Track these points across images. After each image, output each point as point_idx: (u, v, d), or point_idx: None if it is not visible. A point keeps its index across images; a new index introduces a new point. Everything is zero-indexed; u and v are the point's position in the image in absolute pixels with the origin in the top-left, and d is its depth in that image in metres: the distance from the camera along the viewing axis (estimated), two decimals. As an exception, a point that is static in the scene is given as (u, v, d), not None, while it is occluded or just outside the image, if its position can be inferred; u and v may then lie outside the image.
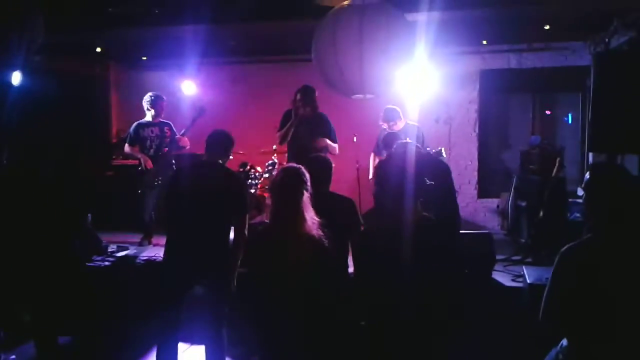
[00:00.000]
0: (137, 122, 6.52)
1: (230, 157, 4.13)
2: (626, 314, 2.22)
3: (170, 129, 6.57)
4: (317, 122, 5.79)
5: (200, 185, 3.83)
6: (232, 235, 3.82)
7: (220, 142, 4.06)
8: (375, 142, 6.61)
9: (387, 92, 5.35)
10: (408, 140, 6.08)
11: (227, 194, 3.77)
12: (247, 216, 3.80)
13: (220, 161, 4.00)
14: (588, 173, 2.54)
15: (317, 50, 4.68)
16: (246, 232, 3.71)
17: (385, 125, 6.34)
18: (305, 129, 5.79)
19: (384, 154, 6.19)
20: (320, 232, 2.71)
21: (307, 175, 2.81)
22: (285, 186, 2.75)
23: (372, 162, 6.63)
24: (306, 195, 2.74)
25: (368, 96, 5.10)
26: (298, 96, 5.77)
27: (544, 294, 2.39)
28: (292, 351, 2.67)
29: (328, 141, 5.76)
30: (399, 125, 6.31)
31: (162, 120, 6.56)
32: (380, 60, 4.41)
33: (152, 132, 6.47)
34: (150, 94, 6.52)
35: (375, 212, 3.10)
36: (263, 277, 2.69)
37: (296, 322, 2.66)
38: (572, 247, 2.37)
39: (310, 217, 2.71)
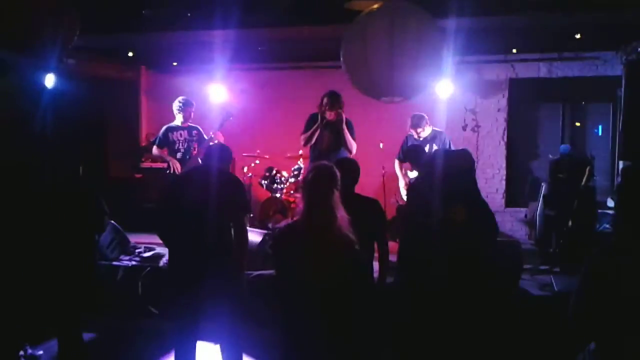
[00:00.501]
0: (167, 125, 6.64)
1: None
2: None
3: (199, 132, 6.67)
4: (340, 125, 5.83)
5: (196, 191, 3.83)
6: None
7: (214, 152, 4.09)
8: (400, 148, 6.59)
9: (417, 95, 5.34)
10: (434, 148, 6.12)
11: (223, 196, 3.77)
12: (245, 216, 3.91)
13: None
14: (620, 176, 2.50)
15: (347, 52, 4.69)
16: (245, 232, 3.79)
17: (412, 132, 6.35)
18: (330, 132, 5.85)
19: (408, 165, 6.24)
20: (351, 230, 2.71)
21: (339, 174, 2.81)
22: (318, 183, 2.74)
23: (398, 169, 6.61)
24: (337, 194, 2.74)
25: (397, 99, 5.09)
26: (325, 100, 5.84)
27: (573, 296, 2.35)
28: (322, 351, 2.66)
29: (347, 131, 5.80)
30: (426, 132, 6.31)
31: (190, 124, 6.65)
32: (411, 63, 4.40)
33: (180, 135, 6.58)
34: (180, 98, 6.64)
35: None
36: (293, 276, 2.68)
37: (325, 321, 2.64)
38: (601, 250, 2.33)
39: (341, 215, 2.70)
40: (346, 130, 5.81)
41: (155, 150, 6.67)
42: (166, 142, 6.57)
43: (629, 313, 2.20)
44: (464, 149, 3.88)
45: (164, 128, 6.65)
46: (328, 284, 2.62)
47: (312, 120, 6.03)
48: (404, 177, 6.40)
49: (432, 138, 6.25)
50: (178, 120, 6.62)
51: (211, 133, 6.52)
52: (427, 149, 6.20)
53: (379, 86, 4.62)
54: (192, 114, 6.66)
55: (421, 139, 6.33)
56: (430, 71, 4.63)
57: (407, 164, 6.37)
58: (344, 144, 5.83)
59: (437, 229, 2.46)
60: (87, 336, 4.83)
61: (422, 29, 4.47)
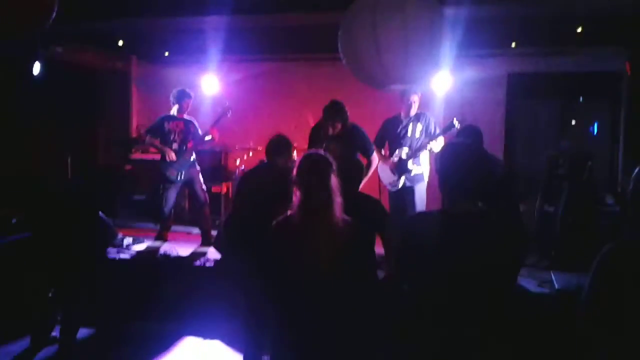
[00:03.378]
0: (163, 115, 6.50)
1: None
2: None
3: (194, 125, 6.52)
4: (348, 136, 5.35)
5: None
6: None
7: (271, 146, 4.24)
8: (377, 134, 6.20)
9: (424, 82, 5.19)
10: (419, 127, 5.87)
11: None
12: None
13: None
14: (638, 169, 2.35)
15: (352, 40, 4.51)
16: None
17: (406, 102, 5.97)
18: (337, 145, 5.49)
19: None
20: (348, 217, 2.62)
21: (332, 159, 2.68)
22: (315, 169, 2.62)
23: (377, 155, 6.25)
24: (334, 179, 2.61)
25: (398, 87, 4.93)
26: (326, 115, 5.39)
27: (584, 295, 2.22)
28: (320, 340, 2.56)
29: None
30: (414, 108, 6.00)
31: (185, 116, 6.49)
32: (425, 49, 4.25)
33: (176, 126, 6.43)
34: (177, 89, 6.51)
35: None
36: (295, 265, 2.55)
37: (325, 311, 2.54)
38: (613, 248, 2.19)
39: (339, 201, 2.59)
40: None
41: (147, 137, 6.52)
42: (160, 131, 6.41)
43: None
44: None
45: (159, 117, 6.52)
46: (331, 269, 2.51)
47: (314, 134, 5.71)
48: (386, 161, 6.05)
49: (417, 117, 6.00)
50: (174, 110, 6.47)
51: (201, 132, 6.45)
52: (410, 127, 5.99)
53: (391, 75, 4.46)
54: (189, 105, 6.51)
55: (411, 115, 6.03)
56: (440, 60, 4.49)
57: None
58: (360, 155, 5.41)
59: (440, 220, 2.31)
60: (81, 333, 4.75)
61: (433, 15, 4.32)
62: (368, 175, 5.35)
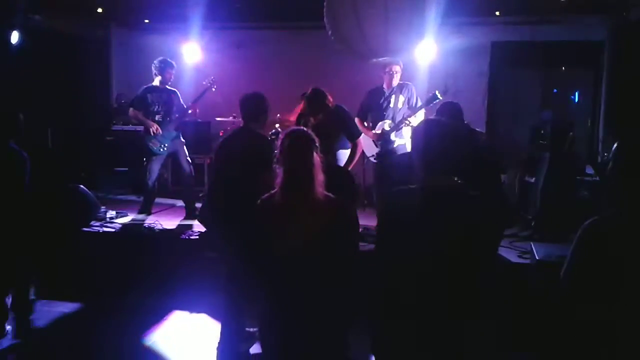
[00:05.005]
0: (146, 86, 6.37)
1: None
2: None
3: (177, 96, 6.43)
4: (332, 122, 5.08)
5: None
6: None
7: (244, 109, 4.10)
8: (360, 105, 6.15)
9: (406, 54, 5.11)
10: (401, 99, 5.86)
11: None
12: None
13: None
14: (617, 143, 2.39)
15: (335, 11, 4.44)
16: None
17: (386, 73, 5.89)
18: (322, 132, 5.33)
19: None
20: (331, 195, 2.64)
21: (315, 137, 2.68)
22: (297, 146, 2.62)
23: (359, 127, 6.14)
24: (316, 157, 2.62)
25: (382, 59, 4.88)
26: (305, 107, 5.25)
27: (565, 268, 2.28)
28: (304, 316, 2.60)
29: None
30: (397, 78, 5.96)
31: (169, 87, 6.40)
32: (406, 21, 4.19)
33: (160, 97, 6.33)
34: (160, 59, 6.36)
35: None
36: (276, 243, 2.57)
37: (308, 287, 2.57)
38: (596, 221, 2.24)
39: (321, 179, 2.61)
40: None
41: (131, 111, 6.41)
42: (143, 104, 6.30)
43: (624, 285, 2.14)
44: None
45: (142, 88, 6.37)
46: (314, 246, 2.54)
47: (300, 120, 5.57)
48: (368, 131, 6.04)
49: (400, 88, 5.98)
50: (156, 81, 6.34)
51: (185, 105, 6.38)
52: (393, 99, 5.96)
53: (373, 47, 4.41)
54: (172, 75, 6.41)
55: (393, 85, 6.00)
56: (422, 29, 4.44)
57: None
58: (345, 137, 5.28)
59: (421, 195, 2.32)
60: (67, 308, 4.78)
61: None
62: (354, 160, 5.27)
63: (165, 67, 6.29)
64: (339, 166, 3.68)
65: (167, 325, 4.76)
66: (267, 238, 2.63)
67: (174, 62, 6.41)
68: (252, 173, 3.73)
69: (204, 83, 6.43)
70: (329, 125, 4.98)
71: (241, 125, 4.18)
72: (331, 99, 5.17)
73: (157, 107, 6.30)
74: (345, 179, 3.69)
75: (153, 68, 6.32)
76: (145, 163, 6.43)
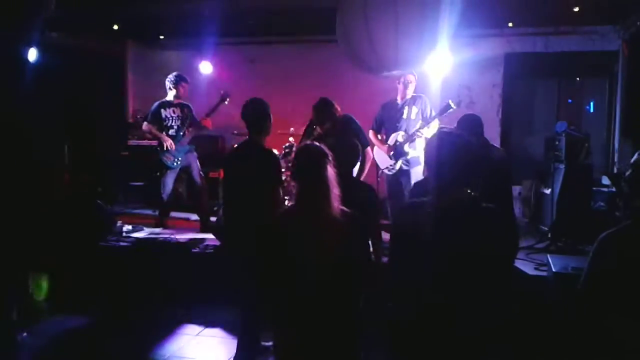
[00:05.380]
0: (159, 101, 6.44)
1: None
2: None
3: (190, 110, 6.49)
4: (341, 131, 5.14)
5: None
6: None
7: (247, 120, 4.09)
8: (374, 118, 6.18)
9: (418, 68, 5.10)
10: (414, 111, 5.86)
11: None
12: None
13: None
14: (637, 154, 2.36)
15: (345, 25, 4.46)
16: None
17: (400, 84, 5.95)
18: (331, 141, 5.37)
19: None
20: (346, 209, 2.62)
21: (328, 151, 2.69)
22: (311, 163, 2.63)
23: (374, 140, 6.14)
24: (331, 172, 2.62)
25: (395, 73, 4.87)
26: (315, 118, 5.32)
27: (582, 280, 2.25)
28: (320, 331, 2.57)
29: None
30: (410, 90, 5.98)
31: (182, 101, 6.46)
32: (416, 35, 4.18)
33: (173, 112, 6.40)
34: (174, 74, 6.45)
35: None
36: (292, 258, 2.57)
37: (324, 302, 2.54)
38: (611, 233, 2.22)
39: (337, 193, 2.60)
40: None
41: (145, 126, 6.49)
42: (157, 118, 6.38)
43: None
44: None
45: (156, 103, 6.46)
46: (330, 261, 2.52)
47: (309, 129, 5.68)
48: (382, 144, 6.04)
49: (413, 99, 5.98)
50: (170, 96, 6.43)
51: (198, 119, 6.42)
52: (406, 110, 5.94)
53: (383, 58, 4.41)
54: (186, 90, 6.48)
55: (407, 97, 6.01)
56: (434, 40, 4.43)
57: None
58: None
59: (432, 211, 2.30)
60: (81, 321, 4.84)
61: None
62: (365, 171, 5.29)
63: (179, 82, 6.37)
64: (362, 181, 3.66)
65: (182, 339, 4.77)
66: (283, 253, 2.64)
67: (187, 77, 6.48)
68: (261, 190, 3.76)
69: (217, 99, 6.45)
70: (338, 132, 5.03)
71: (247, 138, 4.13)
72: (339, 109, 5.19)
73: (170, 121, 6.37)
74: (368, 192, 3.66)
75: (167, 83, 6.40)
76: (159, 177, 6.48)
